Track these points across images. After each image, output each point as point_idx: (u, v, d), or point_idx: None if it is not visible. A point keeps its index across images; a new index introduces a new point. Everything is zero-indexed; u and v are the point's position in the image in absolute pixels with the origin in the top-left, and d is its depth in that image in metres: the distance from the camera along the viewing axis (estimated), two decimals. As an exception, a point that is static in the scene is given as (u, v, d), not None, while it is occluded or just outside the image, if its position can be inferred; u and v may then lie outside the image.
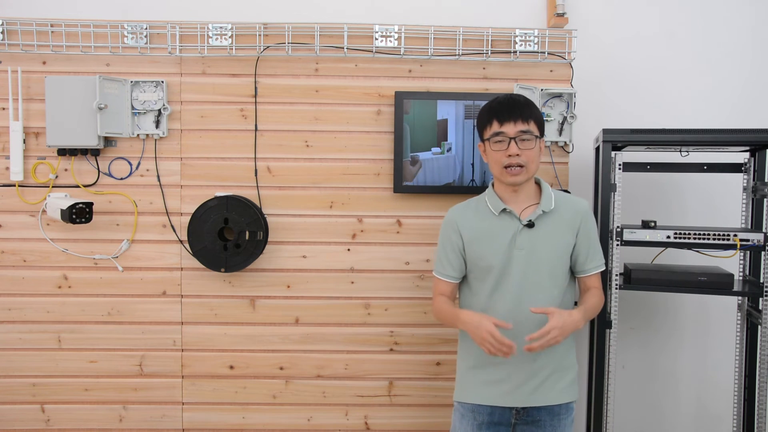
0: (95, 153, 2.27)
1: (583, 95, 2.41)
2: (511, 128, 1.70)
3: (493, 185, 1.83)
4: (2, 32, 2.24)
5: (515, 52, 2.29)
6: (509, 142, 1.70)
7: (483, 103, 1.85)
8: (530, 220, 1.74)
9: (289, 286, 2.34)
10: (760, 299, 2.12)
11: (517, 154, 1.69)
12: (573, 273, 1.83)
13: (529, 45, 2.29)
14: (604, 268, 1.84)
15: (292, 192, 2.32)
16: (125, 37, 2.25)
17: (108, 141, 2.28)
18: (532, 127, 1.72)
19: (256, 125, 2.30)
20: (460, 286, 1.89)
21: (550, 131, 2.30)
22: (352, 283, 2.34)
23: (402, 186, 2.27)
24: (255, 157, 2.30)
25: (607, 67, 2.54)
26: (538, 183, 1.82)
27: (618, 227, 2.14)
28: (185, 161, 2.31)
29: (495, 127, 1.72)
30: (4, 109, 2.27)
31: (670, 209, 2.56)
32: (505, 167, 1.71)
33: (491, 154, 1.75)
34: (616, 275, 2.14)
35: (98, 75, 2.18)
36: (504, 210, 1.76)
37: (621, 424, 2.58)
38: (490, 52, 2.29)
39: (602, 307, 1.85)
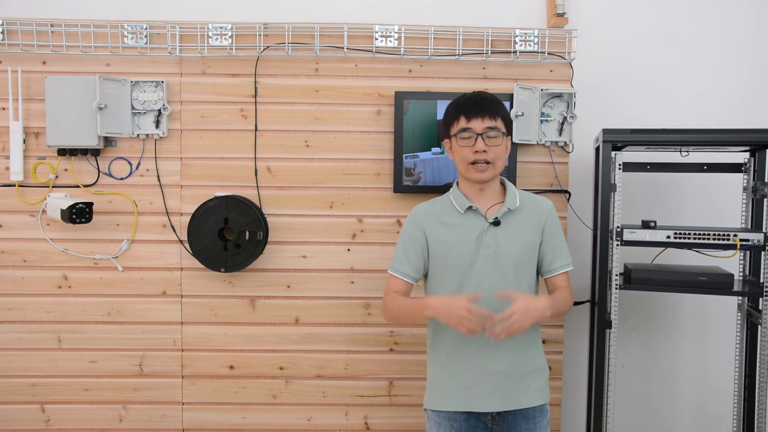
0: (95, 153, 2.27)
1: (583, 95, 2.41)
2: (478, 124, 1.69)
3: (458, 184, 1.81)
4: (2, 32, 2.24)
5: (515, 52, 2.29)
6: (476, 138, 1.69)
7: None
8: (496, 218, 1.72)
9: (289, 286, 2.34)
10: (760, 299, 2.12)
11: (484, 150, 1.68)
12: (541, 275, 1.81)
13: (529, 45, 2.29)
14: (571, 268, 1.80)
15: (292, 192, 2.32)
16: (125, 37, 2.25)
17: (108, 141, 2.28)
18: (500, 124, 1.70)
19: (256, 125, 2.30)
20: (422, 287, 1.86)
21: (550, 131, 2.30)
22: (352, 283, 2.34)
23: (402, 186, 2.27)
24: (255, 157, 2.30)
25: (607, 67, 2.54)
26: (502, 183, 1.81)
27: (618, 227, 2.14)
28: (185, 161, 2.31)
29: (462, 122, 1.70)
30: (4, 109, 2.27)
31: (670, 209, 2.56)
32: (472, 163, 1.70)
33: (458, 150, 1.73)
34: (616, 275, 2.14)
35: (98, 75, 2.18)
36: (470, 208, 1.74)
37: (621, 424, 2.58)
38: (490, 52, 2.29)
39: (571, 305, 1.79)
